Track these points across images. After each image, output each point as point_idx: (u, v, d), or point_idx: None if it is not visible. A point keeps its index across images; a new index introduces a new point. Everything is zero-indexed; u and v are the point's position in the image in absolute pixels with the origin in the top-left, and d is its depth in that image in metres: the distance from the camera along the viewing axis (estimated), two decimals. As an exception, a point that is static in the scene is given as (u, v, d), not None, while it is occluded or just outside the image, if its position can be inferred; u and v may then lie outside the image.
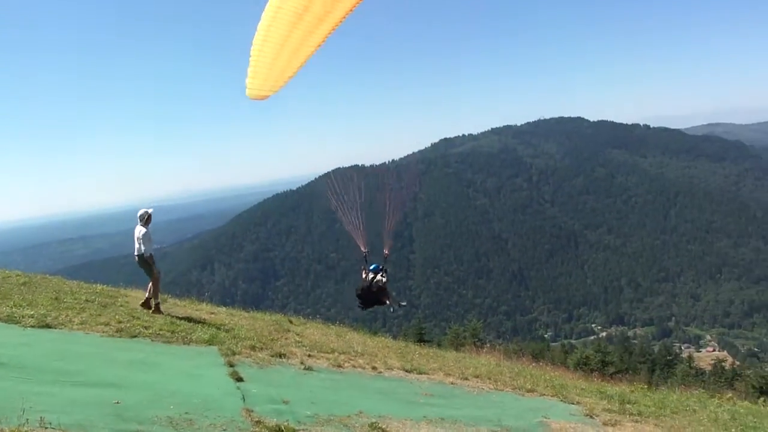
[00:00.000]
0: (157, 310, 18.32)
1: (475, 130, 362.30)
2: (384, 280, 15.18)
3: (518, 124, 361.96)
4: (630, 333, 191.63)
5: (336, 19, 12.19)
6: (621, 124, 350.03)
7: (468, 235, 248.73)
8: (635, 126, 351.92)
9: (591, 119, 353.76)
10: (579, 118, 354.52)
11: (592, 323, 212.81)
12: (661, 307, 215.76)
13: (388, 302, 15.55)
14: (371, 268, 15.37)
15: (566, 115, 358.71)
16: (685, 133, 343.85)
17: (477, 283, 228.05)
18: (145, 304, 18.41)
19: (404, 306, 17.89)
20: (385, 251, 15.78)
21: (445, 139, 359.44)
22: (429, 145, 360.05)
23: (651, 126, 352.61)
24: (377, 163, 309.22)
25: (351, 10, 12.13)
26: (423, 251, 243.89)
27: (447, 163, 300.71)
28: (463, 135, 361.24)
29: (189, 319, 18.28)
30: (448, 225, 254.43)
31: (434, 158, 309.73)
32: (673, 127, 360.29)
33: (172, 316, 18.25)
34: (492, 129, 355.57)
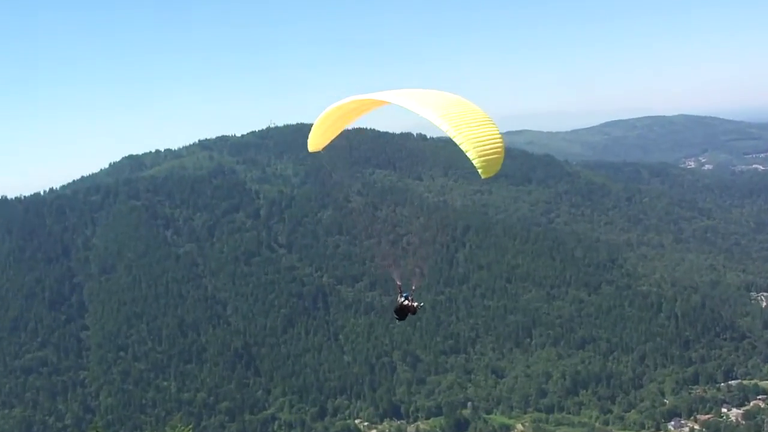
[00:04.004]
0: None
1: (176, 144, 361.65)
2: (415, 304, 34.56)
3: (238, 135, 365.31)
4: (411, 429, 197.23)
5: (361, 115, 34.11)
6: (388, 133, 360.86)
7: (168, 297, 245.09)
8: (407, 136, 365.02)
9: (347, 126, 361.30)
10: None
11: (356, 418, 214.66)
12: (451, 389, 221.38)
13: (416, 311, 34.61)
14: (404, 295, 33.87)
15: (308, 121, 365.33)
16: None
17: (184, 370, 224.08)
18: None
19: (423, 306, 35.81)
20: (413, 288, 34.89)
21: (131, 156, 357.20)
22: (106, 165, 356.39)
23: (428, 137, 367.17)
24: (28, 194, 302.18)
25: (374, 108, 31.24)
26: (100, 325, 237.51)
27: (134, 193, 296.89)
28: (158, 151, 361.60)
29: None
30: (137, 284, 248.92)
31: (113, 185, 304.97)
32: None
33: None
34: (200, 141, 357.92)
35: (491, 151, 24.37)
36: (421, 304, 35.31)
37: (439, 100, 29.88)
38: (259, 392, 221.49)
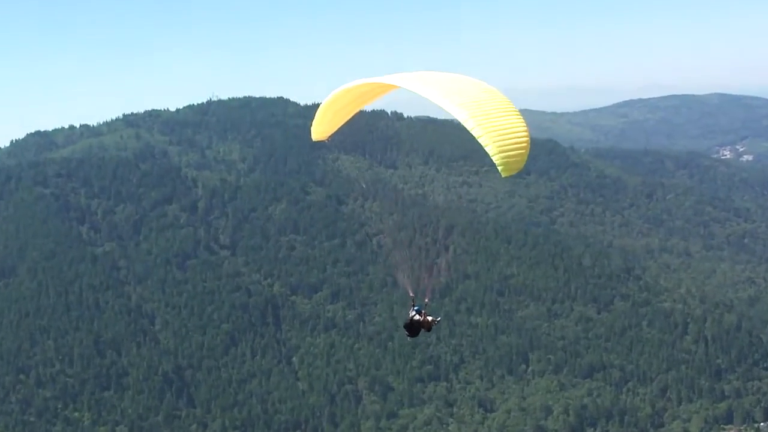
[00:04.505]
0: None
1: (94, 119, 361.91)
2: (430, 319, 36.99)
3: (171, 109, 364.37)
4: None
5: (370, 100, 38.20)
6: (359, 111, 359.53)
7: (81, 308, 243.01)
8: (380, 114, 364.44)
9: (301, 102, 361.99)
10: (281, 99, 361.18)
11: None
12: (429, 425, 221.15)
13: (431, 327, 37.24)
14: (416, 308, 36.99)
15: (257, 95, 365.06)
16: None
17: (100, 398, 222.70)
18: None
19: (439, 320, 38.26)
20: (426, 300, 37.99)
21: (39, 133, 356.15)
22: (7, 144, 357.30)
23: (405, 115, 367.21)
24: None
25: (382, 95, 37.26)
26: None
27: (41, 178, 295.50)
28: (72, 126, 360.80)
29: None
30: (43, 291, 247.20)
31: (15, 169, 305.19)
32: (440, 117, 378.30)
33: None
34: (125, 116, 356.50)
35: (515, 146, 26.73)
36: (438, 318, 38.02)
37: (457, 86, 30.98)
38: (194, 426, 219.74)
